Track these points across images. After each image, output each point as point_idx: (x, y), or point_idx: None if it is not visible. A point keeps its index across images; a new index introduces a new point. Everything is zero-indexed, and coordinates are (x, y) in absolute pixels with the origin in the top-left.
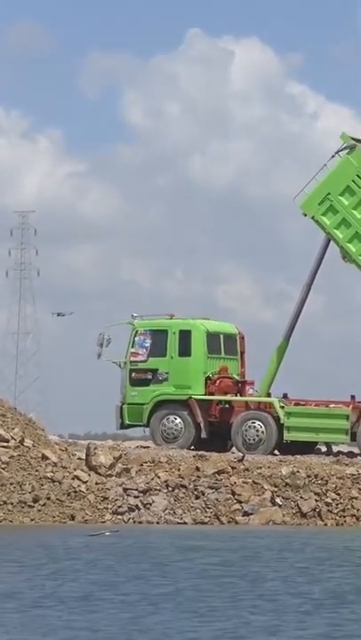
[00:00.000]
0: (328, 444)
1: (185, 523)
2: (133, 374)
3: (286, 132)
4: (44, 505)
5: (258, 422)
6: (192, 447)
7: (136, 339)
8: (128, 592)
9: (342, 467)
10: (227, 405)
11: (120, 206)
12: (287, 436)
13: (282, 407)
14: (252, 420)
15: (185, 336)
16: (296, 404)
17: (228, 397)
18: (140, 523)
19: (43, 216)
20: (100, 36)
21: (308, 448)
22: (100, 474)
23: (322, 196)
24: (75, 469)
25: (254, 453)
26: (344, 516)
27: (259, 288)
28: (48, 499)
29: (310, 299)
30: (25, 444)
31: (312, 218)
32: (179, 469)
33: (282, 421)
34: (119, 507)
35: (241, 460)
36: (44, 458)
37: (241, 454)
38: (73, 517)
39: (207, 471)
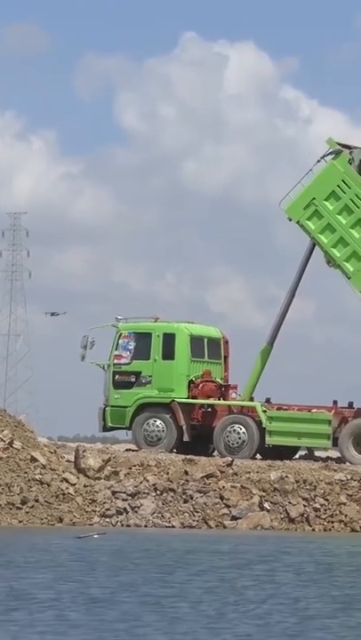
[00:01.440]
0: (310, 449)
1: (173, 526)
2: (117, 377)
3: (280, 137)
4: (32, 507)
5: (240, 426)
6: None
7: (120, 341)
8: None
9: (331, 472)
10: (209, 409)
11: (113, 208)
12: (269, 441)
13: (264, 411)
14: (234, 423)
15: (169, 339)
16: (278, 409)
17: (211, 401)
18: (129, 526)
19: (35, 217)
20: (96, 38)
21: (290, 453)
22: (88, 476)
23: (307, 201)
24: (63, 472)
25: (236, 457)
26: (332, 522)
27: (251, 292)
28: (36, 501)
29: (297, 304)
30: (14, 445)
31: (297, 222)
32: (167, 473)
33: (264, 426)
34: (107, 509)
35: (230, 465)
36: (33, 460)
37: (230, 459)
38: (61, 520)
39: (196, 475)
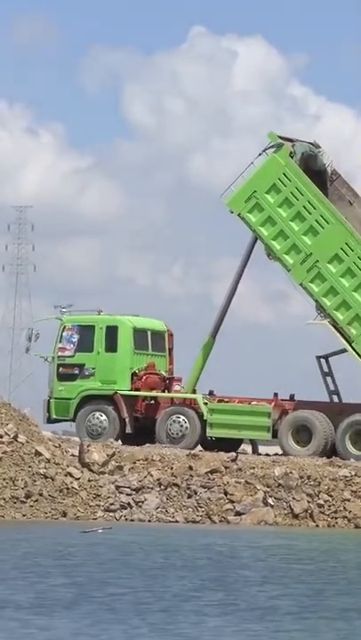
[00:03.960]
0: (253, 443)
1: (177, 521)
2: (61, 369)
3: (288, 132)
4: (36, 501)
5: (182, 417)
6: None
7: (64, 334)
8: None
9: (335, 468)
10: (152, 401)
11: (120, 203)
12: (210, 433)
13: (205, 404)
14: (176, 414)
15: (112, 332)
16: (220, 401)
17: (153, 393)
18: (132, 520)
19: (42, 211)
20: (104, 31)
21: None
22: (92, 471)
23: (248, 194)
24: (68, 466)
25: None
26: (336, 518)
27: (255, 287)
28: (40, 495)
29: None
30: (18, 439)
31: (238, 215)
32: (172, 468)
33: (205, 418)
34: (111, 504)
35: (234, 460)
36: (38, 454)
37: (234, 454)
38: (65, 514)
39: (200, 470)
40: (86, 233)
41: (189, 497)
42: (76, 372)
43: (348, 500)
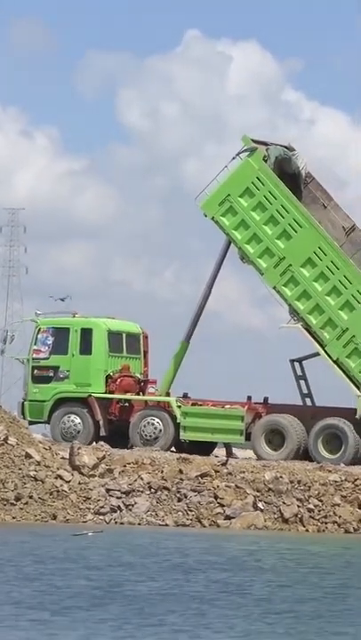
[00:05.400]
0: (228, 446)
1: (167, 525)
2: (35, 371)
3: (282, 138)
4: (26, 503)
5: (156, 420)
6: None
7: (39, 336)
8: None
9: (325, 473)
10: (127, 404)
11: (114, 206)
12: (183, 436)
13: (179, 407)
14: (149, 416)
15: (86, 334)
16: (193, 404)
17: (127, 396)
18: (122, 524)
19: (35, 214)
20: (99, 35)
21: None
22: (83, 474)
23: (222, 197)
24: (58, 468)
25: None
26: (326, 523)
27: (245, 291)
28: (30, 497)
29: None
30: (9, 441)
31: (212, 219)
32: (162, 471)
33: (178, 421)
34: (101, 507)
35: (224, 464)
36: (28, 456)
37: (225, 458)
38: (55, 516)
39: (190, 474)
40: (80, 236)
41: (179, 500)
42: (51, 374)
43: (338, 505)
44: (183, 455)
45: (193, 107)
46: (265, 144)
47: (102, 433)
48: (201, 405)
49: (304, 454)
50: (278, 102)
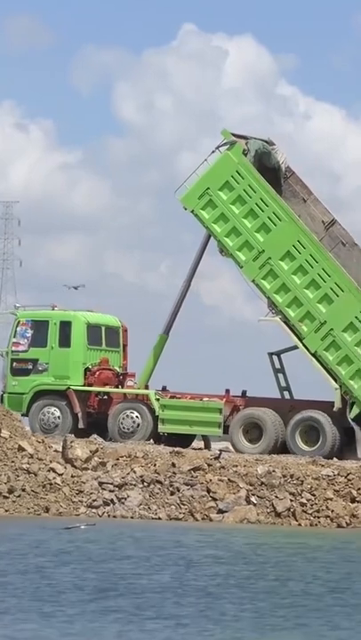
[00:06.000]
0: (206, 439)
1: (159, 518)
2: (14, 364)
3: (278, 132)
4: (18, 496)
5: (134, 412)
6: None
7: (18, 329)
8: None
9: (318, 467)
10: (105, 397)
11: (108, 199)
12: (162, 428)
13: (157, 399)
14: (128, 409)
15: (65, 327)
16: (172, 397)
17: (106, 389)
18: (115, 517)
19: (30, 207)
20: (94, 29)
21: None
22: (75, 467)
23: (201, 191)
24: (51, 461)
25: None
26: (318, 517)
27: (240, 285)
28: (23, 490)
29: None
30: (1, 434)
31: (192, 212)
32: (155, 465)
33: (157, 414)
34: (94, 500)
35: (217, 458)
36: (21, 449)
37: (217, 452)
38: (47, 509)
39: (183, 468)
40: (74, 229)
41: (172, 494)
42: (30, 366)
43: (331, 500)
44: (176, 449)
45: (188, 101)
46: (245, 138)
47: (81, 425)
48: (179, 398)
49: (282, 447)
50: (274, 97)
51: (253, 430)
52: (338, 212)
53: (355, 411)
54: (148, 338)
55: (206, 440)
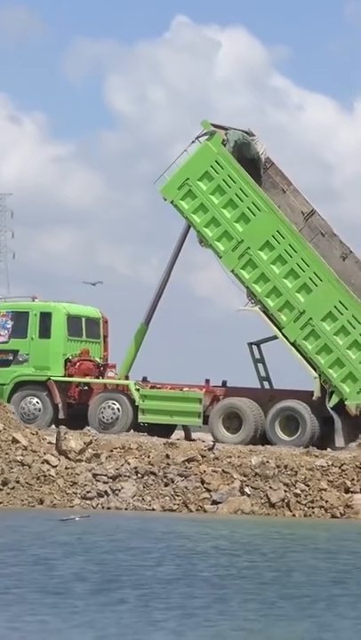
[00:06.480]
0: (186, 429)
1: (153, 509)
2: None
3: (270, 124)
4: (12, 488)
5: (115, 403)
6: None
7: None
8: None
9: (312, 458)
10: (86, 387)
11: (101, 192)
12: (142, 419)
13: (137, 390)
14: (108, 400)
15: (45, 318)
16: (152, 387)
17: (86, 379)
18: (109, 508)
19: (23, 199)
20: (86, 21)
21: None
22: (69, 459)
23: (181, 181)
24: (45, 453)
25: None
26: (313, 508)
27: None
28: (17, 482)
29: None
30: None
31: (171, 202)
32: (149, 456)
33: (137, 404)
34: (88, 492)
35: (211, 449)
36: (15, 441)
37: (211, 443)
38: (42, 501)
39: (177, 459)
40: (67, 221)
41: (166, 485)
42: (10, 357)
43: (325, 490)
44: (170, 440)
45: (181, 93)
46: (224, 128)
47: (61, 416)
48: (159, 388)
49: (262, 437)
50: (266, 88)
51: (233, 420)
52: (331, 203)
53: (334, 399)
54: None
55: (187, 430)
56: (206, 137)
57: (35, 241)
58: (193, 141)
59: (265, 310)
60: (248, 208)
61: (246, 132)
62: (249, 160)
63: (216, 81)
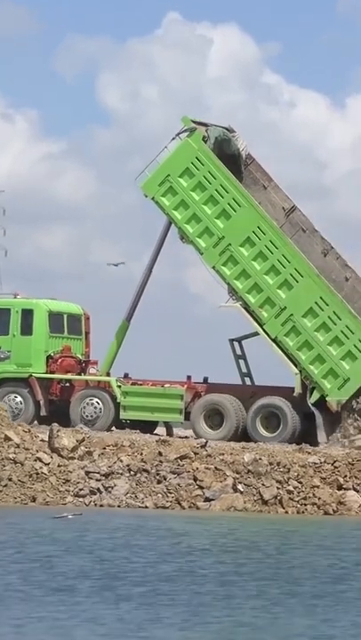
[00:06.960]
0: (168, 426)
1: (146, 507)
2: None
3: (262, 120)
4: (5, 486)
5: (96, 400)
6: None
7: None
8: None
9: (305, 455)
10: (67, 384)
11: (94, 189)
12: (123, 415)
13: (119, 386)
14: (90, 397)
15: (27, 315)
16: (133, 384)
17: (68, 376)
18: (102, 506)
19: (15, 196)
20: (79, 18)
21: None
22: (62, 456)
23: (162, 178)
24: (37, 451)
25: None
26: (305, 505)
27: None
28: (10, 480)
29: None
30: None
31: (152, 199)
32: (141, 454)
33: (118, 400)
34: (81, 489)
35: (204, 446)
36: (7, 439)
37: (204, 440)
38: (34, 499)
39: (170, 456)
40: (59, 218)
41: (159, 483)
42: None
43: (318, 487)
44: (163, 437)
45: (173, 89)
46: (205, 125)
47: (43, 413)
48: (141, 385)
49: (243, 433)
50: (258, 85)
51: (215, 416)
52: (324, 200)
53: (315, 396)
54: (133, 327)
55: (168, 427)
56: (187, 133)
57: (27, 238)
58: (173, 138)
59: (246, 307)
60: (229, 204)
61: (227, 129)
62: (230, 156)
63: (208, 78)
